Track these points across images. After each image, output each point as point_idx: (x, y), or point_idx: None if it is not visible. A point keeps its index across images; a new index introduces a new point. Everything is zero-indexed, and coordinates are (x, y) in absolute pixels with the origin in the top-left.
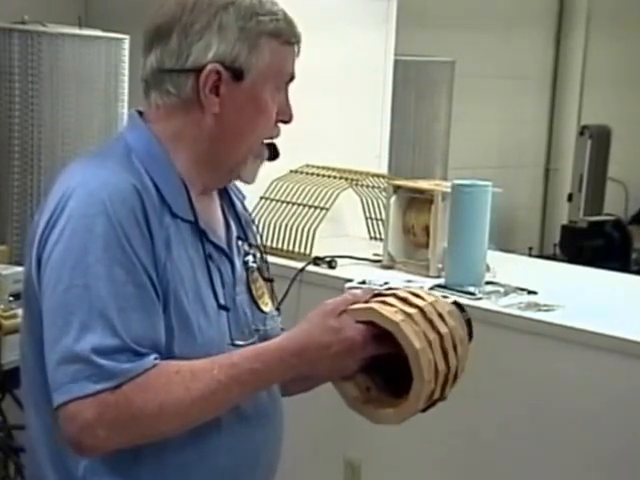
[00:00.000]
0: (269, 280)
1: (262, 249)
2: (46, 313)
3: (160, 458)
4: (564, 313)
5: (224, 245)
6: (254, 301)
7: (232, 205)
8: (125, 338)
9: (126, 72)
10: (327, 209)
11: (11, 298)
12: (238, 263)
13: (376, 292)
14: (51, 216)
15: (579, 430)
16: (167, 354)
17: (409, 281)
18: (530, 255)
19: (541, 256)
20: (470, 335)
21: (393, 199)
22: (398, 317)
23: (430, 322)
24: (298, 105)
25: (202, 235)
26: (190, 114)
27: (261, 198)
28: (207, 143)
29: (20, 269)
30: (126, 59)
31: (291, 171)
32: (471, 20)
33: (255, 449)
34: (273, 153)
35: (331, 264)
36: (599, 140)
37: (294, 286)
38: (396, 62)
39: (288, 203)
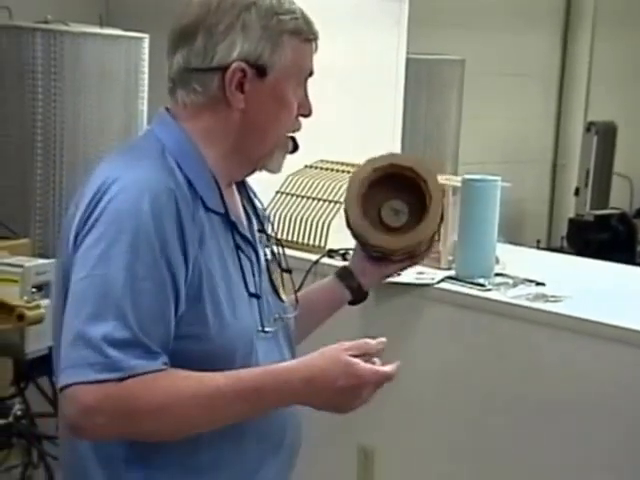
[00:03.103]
0: (287, 271)
1: (280, 242)
2: (69, 299)
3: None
4: (571, 304)
5: (251, 237)
6: (275, 290)
7: (250, 199)
8: (137, 332)
9: (146, 70)
10: (341, 203)
11: (34, 290)
12: (262, 254)
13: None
14: (86, 209)
15: (587, 420)
16: (207, 342)
17: (420, 273)
18: (538, 248)
19: (549, 249)
20: None
21: None
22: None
23: None
24: (313, 102)
25: (233, 226)
26: (217, 111)
27: (277, 192)
28: (235, 138)
29: (43, 261)
30: (146, 57)
31: (306, 166)
32: (481, 20)
33: (279, 430)
34: (294, 146)
35: (345, 256)
36: (605, 136)
37: (309, 278)
38: (408, 61)
39: (303, 197)
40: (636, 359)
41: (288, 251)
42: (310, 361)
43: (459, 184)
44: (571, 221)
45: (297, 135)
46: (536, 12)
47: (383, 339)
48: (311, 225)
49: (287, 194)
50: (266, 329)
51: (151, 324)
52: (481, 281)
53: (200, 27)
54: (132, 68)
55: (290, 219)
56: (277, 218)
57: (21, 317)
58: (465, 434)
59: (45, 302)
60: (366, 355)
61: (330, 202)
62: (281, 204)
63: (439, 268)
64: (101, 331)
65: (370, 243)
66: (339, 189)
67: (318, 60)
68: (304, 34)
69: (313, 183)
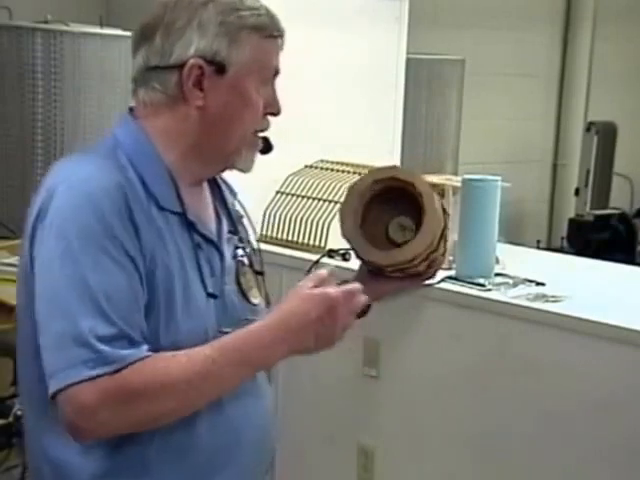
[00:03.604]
0: (259, 273)
1: (252, 243)
2: (40, 305)
3: (142, 446)
4: (571, 304)
5: (214, 237)
6: (242, 293)
7: (223, 200)
8: (120, 325)
9: None
10: (341, 203)
11: None
12: (228, 255)
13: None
14: (39, 213)
15: (586, 419)
16: (154, 341)
17: None
18: (538, 248)
19: (549, 249)
20: None
21: None
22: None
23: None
24: (313, 102)
25: (190, 226)
26: (176, 109)
27: (277, 192)
28: (195, 136)
29: None
30: None
31: (306, 166)
32: (481, 19)
33: (234, 428)
34: (266, 146)
35: (345, 256)
36: (605, 136)
37: None
38: (408, 60)
39: (303, 197)
40: (636, 359)
41: (288, 251)
42: (278, 309)
43: (459, 184)
44: (571, 221)
45: (297, 134)
46: (536, 12)
47: (333, 268)
48: (311, 225)
49: (287, 194)
50: (223, 329)
51: (128, 315)
52: (481, 281)
53: (159, 25)
54: (132, 68)
55: (290, 219)
56: (277, 218)
57: None
58: (465, 434)
59: None
60: (323, 284)
61: (330, 202)
62: (281, 204)
63: (439, 268)
64: (86, 329)
65: (360, 257)
66: (339, 189)
67: (318, 60)
68: (267, 30)
69: (313, 183)
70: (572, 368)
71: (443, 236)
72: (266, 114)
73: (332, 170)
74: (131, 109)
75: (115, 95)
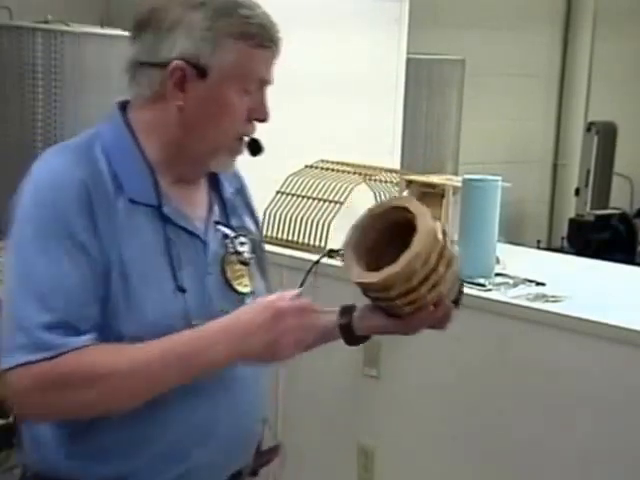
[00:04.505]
0: (245, 263)
1: (249, 232)
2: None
3: (104, 432)
4: (571, 304)
5: (195, 229)
6: (228, 282)
7: (219, 192)
8: (61, 314)
9: None
10: (341, 203)
11: None
12: (214, 245)
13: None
14: (15, 200)
15: (586, 419)
16: (113, 333)
17: None
18: (539, 248)
19: (549, 249)
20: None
21: (405, 193)
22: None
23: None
24: (314, 103)
25: (165, 220)
26: (158, 105)
27: (277, 192)
28: (173, 135)
29: None
30: None
31: (306, 166)
32: (481, 19)
33: (205, 419)
34: (255, 148)
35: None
36: (605, 136)
37: (309, 278)
38: (408, 60)
39: (304, 197)
40: (636, 359)
41: (289, 251)
42: (233, 314)
43: (459, 184)
44: (571, 221)
45: (297, 135)
46: (536, 12)
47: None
48: (311, 225)
49: (287, 194)
50: (194, 322)
51: (74, 305)
52: (481, 281)
53: (150, 22)
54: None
55: (290, 219)
56: (277, 218)
57: None
58: (465, 433)
59: None
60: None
61: (330, 202)
62: (281, 204)
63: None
64: (26, 315)
65: (351, 279)
66: (339, 189)
67: (319, 61)
68: (255, 40)
69: (313, 183)
70: (572, 368)
71: (436, 272)
72: (251, 120)
73: (332, 170)
74: (124, 102)
75: (115, 95)
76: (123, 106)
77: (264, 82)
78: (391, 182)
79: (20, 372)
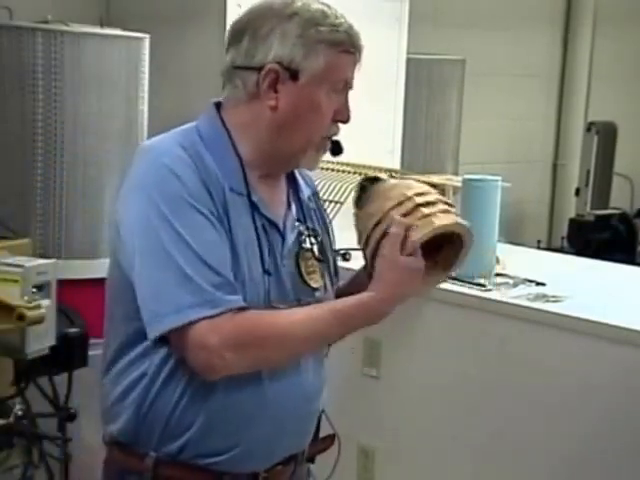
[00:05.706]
0: (319, 260)
1: (319, 234)
2: (141, 260)
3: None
4: (571, 304)
5: (278, 221)
6: (300, 276)
7: (297, 192)
8: (223, 274)
9: (146, 70)
10: (342, 203)
11: (34, 290)
12: (291, 239)
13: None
14: (125, 183)
15: (587, 419)
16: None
17: None
18: (539, 248)
19: (549, 249)
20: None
21: None
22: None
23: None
24: None
25: (254, 208)
26: (252, 106)
27: None
28: (266, 133)
29: (43, 261)
30: (146, 58)
31: None
32: (481, 19)
33: (276, 401)
34: (337, 149)
35: (345, 256)
36: (605, 136)
37: None
38: (408, 60)
39: None
40: (636, 359)
41: None
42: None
43: (459, 184)
44: (572, 221)
45: None
46: (536, 12)
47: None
48: None
49: None
50: (274, 304)
51: (226, 266)
52: (481, 281)
53: (247, 30)
54: (132, 68)
55: None
56: None
57: (21, 317)
58: (465, 433)
59: (45, 302)
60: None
61: (331, 202)
62: None
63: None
64: (194, 276)
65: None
66: (340, 189)
67: None
68: (342, 46)
69: None
70: (572, 368)
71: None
72: (336, 121)
73: (333, 170)
74: (218, 103)
75: (115, 95)
76: (217, 106)
77: (347, 85)
78: None
79: (204, 327)
